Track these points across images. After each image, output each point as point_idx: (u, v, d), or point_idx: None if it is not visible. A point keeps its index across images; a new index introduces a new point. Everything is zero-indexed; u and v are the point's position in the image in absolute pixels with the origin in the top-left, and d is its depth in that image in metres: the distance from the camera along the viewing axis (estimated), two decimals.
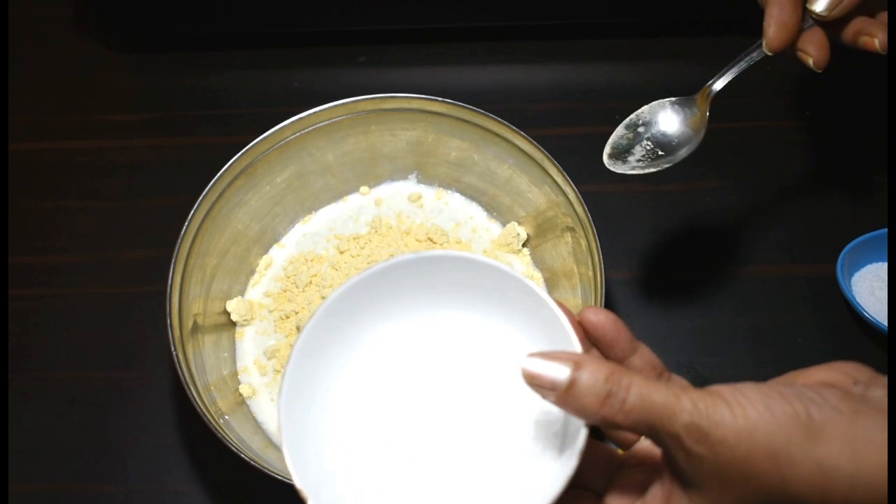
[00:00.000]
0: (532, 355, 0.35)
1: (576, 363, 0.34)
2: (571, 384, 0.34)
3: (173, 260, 0.60)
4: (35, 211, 0.79)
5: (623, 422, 0.34)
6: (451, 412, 0.43)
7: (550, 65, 0.88)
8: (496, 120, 0.65)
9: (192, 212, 0.62)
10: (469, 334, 0.44)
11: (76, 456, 0.65)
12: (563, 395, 0.34)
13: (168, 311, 0.59)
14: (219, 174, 0.64)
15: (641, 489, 0.38)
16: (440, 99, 0.66)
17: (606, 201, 0.74)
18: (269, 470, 0.52)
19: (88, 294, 0.73)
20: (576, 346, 0.37)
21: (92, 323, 0.71)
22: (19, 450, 0.65)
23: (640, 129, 0.57)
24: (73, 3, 0.92)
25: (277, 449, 0.62)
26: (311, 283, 0.68)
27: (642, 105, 0.71)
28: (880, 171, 0.76)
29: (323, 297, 0.65)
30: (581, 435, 0.35)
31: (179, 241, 0.61)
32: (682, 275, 0.72)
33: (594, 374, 0.34)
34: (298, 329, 0.65)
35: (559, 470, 0.36)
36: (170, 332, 0.58)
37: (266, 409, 0.64)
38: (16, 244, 0.76)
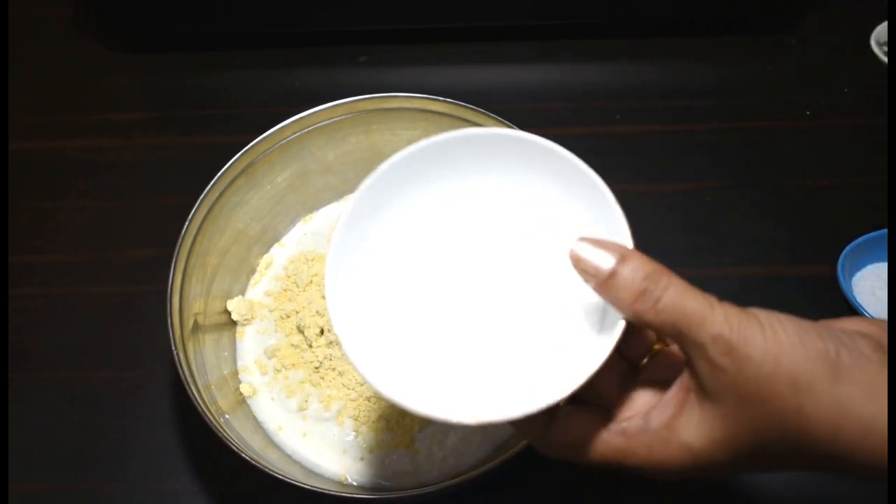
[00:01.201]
0: (583, 239, 0.36)
1: (622, 255, 0.35)
2: (612, 274, 0.35)
3: (174, 259, 0.60)
4: (35, 210, 0.79)
5: (653, 320, 0.34)
6: (496, 280, 0.43)
7: (551, 65, 0.88)
8: (497, 119, 0.65)
9: (192, 211, 0.62)
10: (524, 209, 0.44)
11: (76, 455, 0.65)
12: (602, 283, 0.35)
13: (169, 311, 0.58)
14: (220, 173, 0.64)
15: (663, 389, 0.39)
16: (441, 98, 0.66)
17: None
18: (269, 469, 0.52)
19: (89, 293, 0.73)
20: (627, 240, 0.37)
21: (92, 322, 0.71)
22: (19, 449, 0.65)
23: None
24: (73, 3, 0.92)
25: (278, 448, 0.62)
26: (311, 282, 0.68)
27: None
28: (881, 172, 0.76)
29: (324, 297, 0.65)
30: (619, 325, 0.36)
31: (180, 240, 0.61)
32: (681, 275, 0.72)
33: (636, 270, 0.35)
34: (299, 329, 0.65)
35: (592, 356, 0.36)
36: (170, 331, 0.58)
37: (266, 409, 0.64)
38: (16, 243, 0.76)
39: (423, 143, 0.41)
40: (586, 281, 0.36)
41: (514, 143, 0.41)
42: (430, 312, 0.43)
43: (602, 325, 0.39)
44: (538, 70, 0.87)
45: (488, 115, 0.65)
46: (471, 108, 0.66)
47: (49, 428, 0.66)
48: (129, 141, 0.83)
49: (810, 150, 0.79)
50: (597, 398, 0.40)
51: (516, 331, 0.42)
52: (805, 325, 0.34)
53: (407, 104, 0.68)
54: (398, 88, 0.68)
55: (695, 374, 0.35)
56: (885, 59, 0.54)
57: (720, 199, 0.76)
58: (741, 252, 0.73)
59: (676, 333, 0.34)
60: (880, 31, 0.56)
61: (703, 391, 0.35)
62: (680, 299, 0.34)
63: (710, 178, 0.77)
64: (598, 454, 0.38)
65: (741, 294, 0.70)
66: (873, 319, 0.37)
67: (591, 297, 0.38)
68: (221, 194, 0.64)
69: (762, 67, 0.86)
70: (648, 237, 0.74)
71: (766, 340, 0.33)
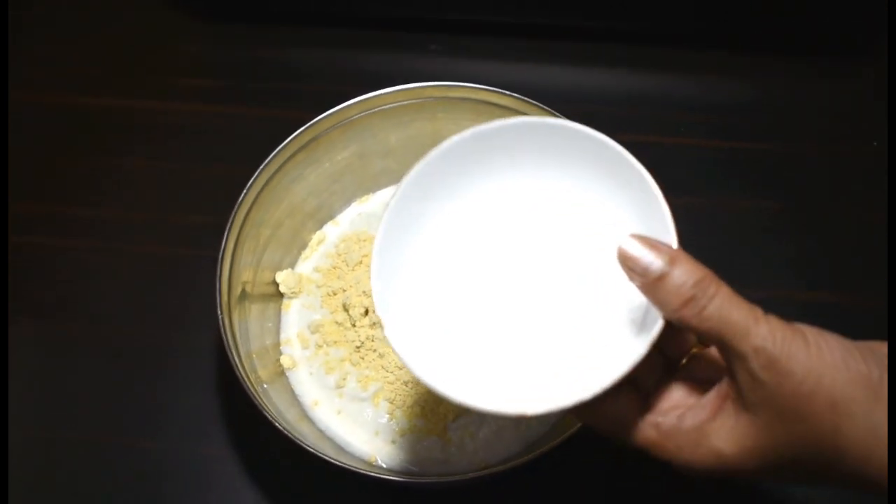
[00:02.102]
0: (633, 236, 0.35)
1: (672, 258, 0.35)
2: (662, 277, 0.34)
3: (228, 226, 0.61)
4: (96, 165, 0.80)
5: (697, 327, 0.34)
6: (538, 273, 0.43)
7: (625, 70, 0.87)
8: (563, 119, 0.64)
9: (251, 180, 0.63)
10: (569, 202, 0.44)
11: (116, 409, 0.66)
12: (650, 284, 0.35)
13: (218, 276, 0.59)
14: (281, 146, 0.64)
15: (700, 388, 0.39)
16: (507, 93, 0.66)
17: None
18: (301, 442, 0.52)
19: (141, 252, 0.74)
20: (673, 240, 0.37)
21: (142, 280, 0.73)
22: (60, 398, 0.67)
23: None
24: None
25: (311, 422, 0.63)
26: (361, 262, 0.68)
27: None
28: None
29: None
30: (658, 324, 0.36)
31: (236, 208, 0.62)
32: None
33: (685, 275, 0.34)
34: (344, 307, 0.66)
35: (628, 353, 0.36)
36: (218, 296, 0.58)
37: (304, 382, 0.65)
38: (74, 195, 0.78)
39: (470, 132, 0.42)
40: (631, 279, 0.36)
41: (561, 134, 0.41)
42: (472, 304, 0.43)
43: (642, 323, 0.39)
44: (612, 75, 0.86)
45: (553, 114, 0.65)
46: (535, 105, 0.65)
47: (92, 380, 0.68)
48: (195, 106, 0.84)
49: (873, 181, 0.78)
50: (638, 385, 0.40)
51: (555, 325, 0.42)
52: (850, 346, 0.34)
53: (473, 95, 0.67)
54: (466, 80, 0.68)
55: (734, 383, 0.35)
56: None
57: (774, 222, 0.75)
58: (793, 277, 0.72)
59: (719, 341, 0.34)
60: None
61: (741, 401, 0.35)
62: (725, 309, 0.34)
63: (762, 198, 0.76)
64: (632, 438, 0.38)
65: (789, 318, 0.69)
66: None
67: (633, 295, 0.38)
68: (281, 167, 0.65)
69: (835, 91, 0.84)
70: (698, 249, 0.74)
71: (810, 358, 0.33)
